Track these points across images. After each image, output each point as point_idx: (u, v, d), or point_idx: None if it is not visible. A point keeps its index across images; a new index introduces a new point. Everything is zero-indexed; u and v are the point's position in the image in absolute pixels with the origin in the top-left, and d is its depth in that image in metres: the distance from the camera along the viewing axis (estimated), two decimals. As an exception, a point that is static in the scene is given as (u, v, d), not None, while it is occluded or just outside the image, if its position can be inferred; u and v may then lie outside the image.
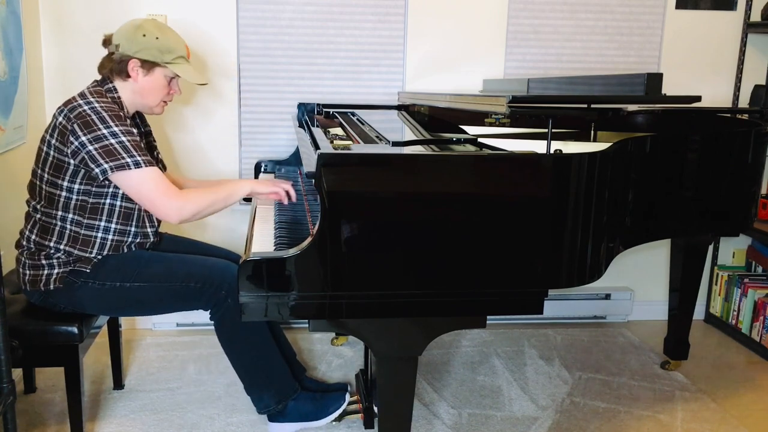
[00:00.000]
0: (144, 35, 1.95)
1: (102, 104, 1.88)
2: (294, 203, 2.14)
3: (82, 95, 1.92)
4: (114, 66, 1.98)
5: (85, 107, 1.86)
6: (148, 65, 1.98)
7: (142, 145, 1.92)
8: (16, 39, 2.42)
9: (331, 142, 1.84)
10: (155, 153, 2.23)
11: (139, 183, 1.86)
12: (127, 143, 1.85)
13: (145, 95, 2.02)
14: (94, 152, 1.83)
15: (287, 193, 2.06)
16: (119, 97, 2.00)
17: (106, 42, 2.01)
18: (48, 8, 2.70)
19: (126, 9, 2.73)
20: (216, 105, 2.87)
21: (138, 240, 2.03)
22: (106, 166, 1.83)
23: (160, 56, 1.97)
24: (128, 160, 1.84)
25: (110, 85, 1.99)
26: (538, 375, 2.67)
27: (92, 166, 1.85)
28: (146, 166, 1.86)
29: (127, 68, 1.97)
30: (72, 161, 1.87)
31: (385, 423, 1.73)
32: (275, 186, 2.04)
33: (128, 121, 1.92)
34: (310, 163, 1.65)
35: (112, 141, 1.83)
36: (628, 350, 2.93)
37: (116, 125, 1.85)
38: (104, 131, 1.84)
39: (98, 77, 2.04)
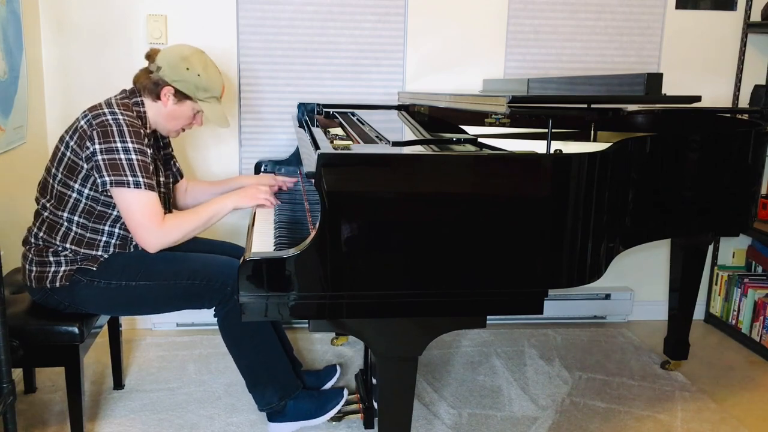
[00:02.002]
0: (188, 68, 1.99)
1: (127, 118, 1.90)
2: (293, 203, 2.14)
3: (108, 104, 1.93)
4: (149, 85, 2.00)
5: (109, 117, 1.88)
6: (181, 96, 2.02)
7: (151, 168, 1.92)
8: (16, 39, 2.42)
9: (331, 142, 1.84)
10: (172, 162, 2.27)
11: (130, 203, 1.87)
12: (135, 162, 1.86)
13: (168, 120, 2.05)
14: (101, 163, 1.85)
15: (273, 196, 2.11)
16: (145, 112, 2.03)
17: (151, 57, 2.04)
18: (48, 8, 2.70)
19: (126, 9, 2.73)
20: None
21: None
22: (107, 178, 1.85)
23: (194, 92, 2.02)
24: (130, 178, 1.85)
25: (138, 99, 2.02)
26: (538, 375, 2.67)
27: (97, 175, 1.87)
28: (145, 188, 1.86)
29: (160, 92, 2.00)
30: (85, 165, 1.89)
31: (385, 423, 1.73)
32: (256, 200, 2.08)
33: (146, 141, 1.92)
34: (310, 163, 1.65)
35: (122, 156, 1.85)
36: (628, 350, 2.93)
37: (132, 142, 1.87)
38: (118, 144, 1.85)
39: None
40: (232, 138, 2.91)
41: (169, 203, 2.19)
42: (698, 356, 2.90)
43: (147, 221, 1.88)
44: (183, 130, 2.13)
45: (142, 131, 1.92)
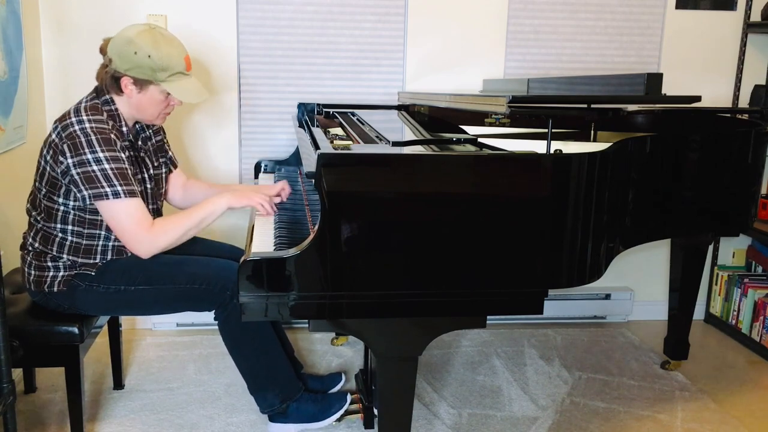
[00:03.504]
0: (136, 53, 1.85)
1: (94, 125, 1.83)
2: (293, 203, 2.14)
3: (76, 111, 1.86)
4: (108, 80, 1.91)
5: (76, 127, 1.82)
6: (142, 83, 1.89)
7: (129, 172, 1.86)
8: (16, 39, 2.42)
9: (331, 142, 1.84)
10: (166, 149, 2.20)
11: (114, 214, 1.84)
12: (110, 171, 1.81)
13: (141, 110, 1.96)
14: (77, 177, 1.81)
15: (272, 202, 2.04)
16: (116, 110, 1.94)
17: (103, 50, 1.94)
18: (48, 8, 2.70)
19: (126, 9, 2.73)
20: (216, 105, 2.87)
21: None
22: (85, 193, 1.82)
23: (152, 75, 1.88)
24: (107, 189, 1.81)
25: (107, 97, 1.94)
26: (538, 375, 2.67)
27: (75, 190, 1.85)
28: (126, 196, 1.82)
29: (120, 85, 1.90)
30: (63, 180, 1.86)
31: (385, 423, 1.73)
32: (251, 201, 1.98)
33: (119, 145, 1.86)
34: (310, 163, 1.65)
35: (95, 168, 1.80)
36: (628, 350, 2.93)
37: (102, 151, 1.81)
38: (89, 156, 1.80)
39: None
40: (232, 138, 2.91)
41: (160, 196, 2.15)
42: (698, 356, 2.90)
43: (134, 228, 1.84)
44: (168, 113, 2.03)
45: (112, 136, 1.84)
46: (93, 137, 1.81)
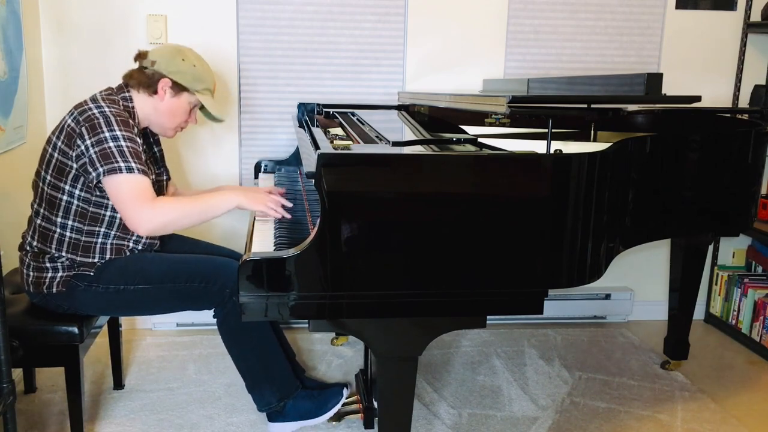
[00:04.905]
0: (183, 60, 2.01)
1: (113, 109, 1.90)
2: (293, 203, 2.14)
3: (93, 99, 1.93)
4: (144, 80, 1.99)
5: (95, 111, 1.87)
6: (178, 88, 2.01)
7: (143, 156, 1.91)
8: (16, 39, 2.42)
9: (331, 142, 1.84)
10: (164, 161, 2.24)
11: (120, 186, 1.83)
12: (125, 149, 1.84)
13: (164, 116, 2.04)
14: (94, 156, 1.83)
15: (282, 206, 2.00)
16: (133, 107, 2.01)
17: (141, 56, 2.03)
18: (48, 8, 2.70)
19: (126, 9, 2.73)
20: (216, 105, 2.87)
21: (140, 247, 2.03)
22: (100, 169, 1.83)
23: (192, 83, 2.02)
24: (121, 164, 1.82)
25: (126, 94, 2.00)
26: (538, 375, 2.67)
27: (90, 170, 1.85)
28: (138, 173, 1.84)
29: (157, 85, 1.99)
30: (74, 165, 1.88)
31: (385, 423, 1.73)
32: (264, 206, 1.95)
33: (135, 130, 1.92)
34: (310, 163, 1.65)
35: (111, 144, 1.83)
36: (628, 350, 2.93)
37: (120, 130, 1.86)
38: (106, 134, 1.84)
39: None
40: (232, 138, 2.91)
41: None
42: (698, 356, 2.90)
43: (136, 199, 1.82)
44: (181, 129, 2.11)
45: (130, 121, 1.91)
46: (112, 118, 1.87)
